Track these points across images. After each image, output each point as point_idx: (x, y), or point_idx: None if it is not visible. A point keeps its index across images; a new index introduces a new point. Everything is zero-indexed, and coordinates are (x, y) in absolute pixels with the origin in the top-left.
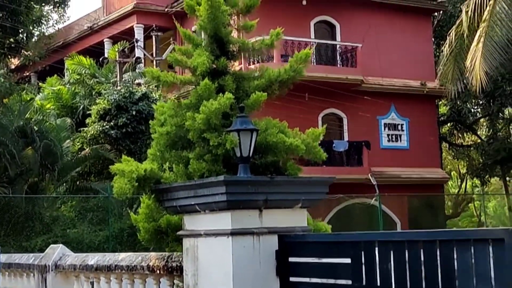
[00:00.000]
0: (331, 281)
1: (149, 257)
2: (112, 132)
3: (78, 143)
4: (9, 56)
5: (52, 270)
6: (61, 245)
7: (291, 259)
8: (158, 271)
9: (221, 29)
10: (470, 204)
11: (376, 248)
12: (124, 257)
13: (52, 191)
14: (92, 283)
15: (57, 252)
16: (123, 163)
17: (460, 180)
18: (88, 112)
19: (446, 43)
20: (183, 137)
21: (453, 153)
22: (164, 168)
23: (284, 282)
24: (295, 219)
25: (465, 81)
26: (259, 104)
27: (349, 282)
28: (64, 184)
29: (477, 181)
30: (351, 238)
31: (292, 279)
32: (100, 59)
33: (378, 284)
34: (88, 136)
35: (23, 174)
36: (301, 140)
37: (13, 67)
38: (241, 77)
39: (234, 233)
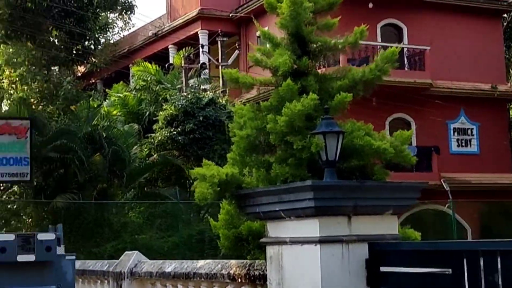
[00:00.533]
0: None
1: (229, 264)
2: (179, 138)
3: (145, 149)
4: (76, 64)
5: (127, 277)
6: (136, 252)
7: (382, 269)
8: (239, 280)
9: (302, 28)
10: None
11: (481, 258)
12: (202, 265)
13: (120, 197)
14: None
15: (132, 259)
16: (204, 167)
17: None
18: (154, 118)
19: None
20: (264, 140)
21: None
22: (244, 173)
23: None
24: (385, 226)
25: None
26: (344, 106)
27: None
28: (132, 190)
29: None
30: (451, 247)
31: None
32: (166, 65)
33: None
34: (156, 142)
35: (92, 180)
36: (389, 143)
37: (79, 74)
38: (324, 78)
39: (322, 241)
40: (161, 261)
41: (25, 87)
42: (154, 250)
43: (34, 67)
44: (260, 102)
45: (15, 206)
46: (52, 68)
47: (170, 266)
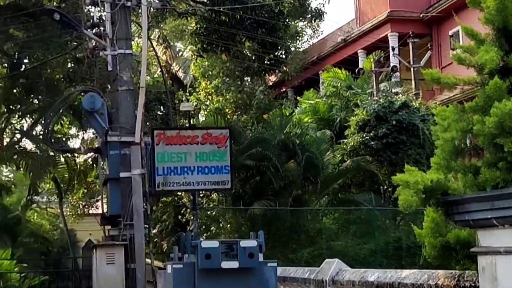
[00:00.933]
0: None
1: (436, 275)
2: (372, 143)
3: (338, 155)
4: (268, 73)
5: (329, 286)
6: (336, 259)
7: None
8: None
9: (510, 21)
10: None
11: None
12: (408, 275)
13: (314, 203)
14: None
15: (333, 267)
16: (406, 173)
17: None
18: (345, 124)
19: None
20: (470, 143)
21: None
22: (448, 178)
23: None
24: None
25: None
26: None
27: None
28: (326, 196)
29: None
30: None
31: None
32: (356, 70)
33: None
34: (348, 148)
35: (287, 187)
36: None
37: (271, 83)
38: None
39: None
40: (363, 269)
41: (220, 98)
42: (350, 257)
43: (228, 79)
44: (464, 103)
45: (214, 213)
46: (245, 78)
47: (373, 275)
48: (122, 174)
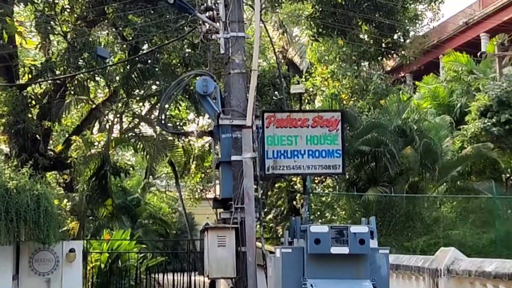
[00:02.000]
0: None
1: None
2: (494, 129)
3: (458, 142)
4: (386, 57)
5: (444, 275)
6: (452, 248)
7: None
8: None
9: None
10: None
11: None
12: None
13: (432, 191)
14: None
15: (448, 255)
16: None
17: None
18: (466, 110)
19: None
20: None
21: None
22: None
23: None
24: None
25: None
26: None
27: None
28: (444, 184)
29: None
30: None
31: None
32: (478, 54)
33: None
34: (468, 134)
35: (403, 174)
36: None
37: (388, 68)
38: None
39: None
40: (480, 259)
41: (337, 83)
42: (468, 247)
43: (344, 64)
44: None
45: (328, 199)
46: (361, 63)
47: (490, 265)
48: (233, 158)
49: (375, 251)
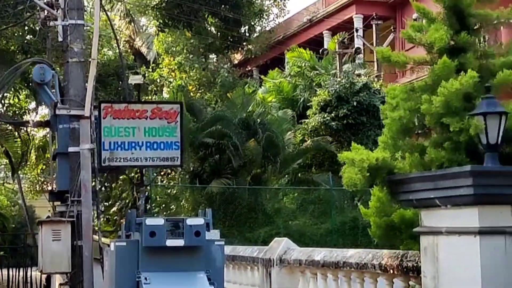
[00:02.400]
0: None
1: (380, 254)
2: (333, 123)
3: (299, 135)
4: (232, 51)
5: (276, 265)
6: (285, 238)
7: None
8: (391, 271)
9: (461, 0)
10: None
11: None
12: (352, 254)
13: (274, 183)
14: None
15: (282, 245)
16: (353, 151)
17: None
18: (308, 104)
19: None
20: (418, 122)
21: None
22: (396, 157)
23: None
24: None
25: None
26: (508, 84)
27: None
28: (286, 176)
29: None
30: None
31: None
32: (320, 50)
33: None
34: (309, 128)
35: (246, 166)
36: None
37: (236, 62)
38: (484, 55)
39: (482, 232)
40: (311, 248)
41: (184, 75)
42: (307, 237)
43: (192, 55)
44: (415, 83)
45: (174, 191)
46: (209, 56)
47: (319, 254)
48: (70, 149)
49: (211, 243)
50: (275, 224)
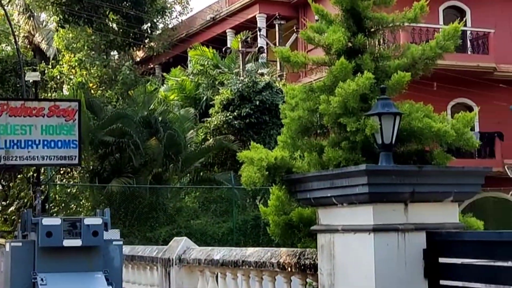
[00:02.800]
0: (493, 287)
1: (279, 253)
2: (235, 122)
3: (201, 134)
4: (134, 48)
5: (176, 264)
6: (185, 238)
7: (441, 260)
8: (289, 269)
9: (358, 3)
10: None
11: None
12: (252, 253)
13: (175, 182)
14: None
15: (181, 245)
16: (252, 150)
17: None
18: (211, 102)
19: None
20: (317, 122)
21: None
22: (295, 157)
23: (433, 286)
24: (445, 214)
25: None
26: (402, 86)
27: None
28: (188, 175)
29: None
30: None
31: (443, 282)
32: (223, 49)
33: None
34: (212, 126)
35: (147, 165)
36: (451, 125)
37: (138, 59)
38: (380, 56)
39: (376, 229)
40: (210, 248)
41: (84, 72)
42: (208, 236)
43: (93, 52)
44: (314, 84)
45: (74, 190)
46: (111, 53)
47: (218, 253)
48: None
49: (109, 243)
50: (176, 223)
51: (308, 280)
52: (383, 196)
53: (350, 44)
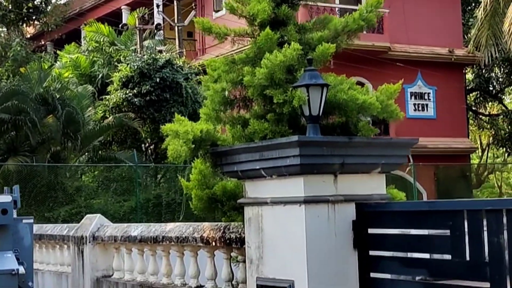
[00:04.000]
0: (422, 255)
1: (202, 227)
2: (135, 100)
3: (100, 112)
4: (25, 24)
5: (89, 242)
6: (98, 215)
7: (371, 231)
8: (213, 243)
9: None
10: (491, 176)
11: (484, 218)
12: (172, 228)
13: (74, 160)
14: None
15: (94, 222)
16: (176, 123)
17: (482, 150)
18: (107, 81)
19: (481, 7)
20: (240, 95)
21: (477, 123)
22: (217, 130)
23: (363, 256)
24: (373, 185)
25: (499, 46)
26: (327, 57)
27: (448, 256)
28: (87, 153)
29: (499, 152)
30: (450, 207)
31: (372, 252)
32: (120, 25)
33: (487, 259)
34: (111, 104)
35: (45, 143)
36: (375, 97)
37: (28, 36)
38: (303, 28)
39: (307, 201)
40: (126, 224)
41: None
42: (109, 215)
43: None
44: (235, 56)
45: None
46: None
47: (136, 229)
48: None
49: (18, 221)
50: (76, 202)
51: (232, 254)
52: (313, 167)
53: (274, 15)
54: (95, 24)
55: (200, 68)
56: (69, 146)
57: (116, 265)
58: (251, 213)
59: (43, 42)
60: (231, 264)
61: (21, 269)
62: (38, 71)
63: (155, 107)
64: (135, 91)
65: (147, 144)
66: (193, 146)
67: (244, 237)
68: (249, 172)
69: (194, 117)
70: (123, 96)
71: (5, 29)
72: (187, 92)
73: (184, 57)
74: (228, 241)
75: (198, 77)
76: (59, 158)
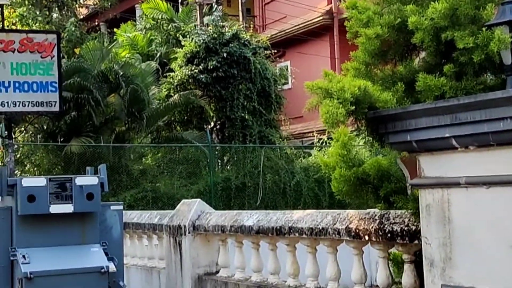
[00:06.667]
0: None
1: (346, 216)
2: (201, 76)
3: (164, 90)
4: (77, 4)
5: (189, 232)
6: (198, 200)
7: None
8: (365, 237)
9: None
10: None
11: None
12: (301, 217)
13: (139, 141)
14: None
15: (194, 208)
16: (325, 79)
17: None
18: (165, 60)
19: None
20: (401, 42)
21: None
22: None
23: None
24: None
25: None
26: None
27: None
28: (149, 134)
29: None
30: None
31: None
32: (180, 1)
33: None
34: (175, 82)
35: (109, 123)
36: None
37: (82, 17)
38: None
39: None
40: (234, 212)
41: (26, 29)
42: (177, 199)
43: (34, 7)
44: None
45: (23, 148)
46: (54, 9)
47: (250, 218)
48: None
49: (106, 208)
50: (141, 186)
51: (395, 251)
52: None
53: None
54: (152, 0)
55: (268, 42)
56: (133, 126)
57: (222, 261)
58: (431, 198)
59: (96, 23)
60: (389, 265)
61: (111, 266)
62: (98, 50)
63: (222, 84)
64: (201, 67)
65: (212, 124)
66: (353, 107)
67: (415, 229)
68: (430, 143)
69: (262, 95)
70: (189, 72)
71: (56, 9)
72: (256, 67)
73: (251, 30)
74: (388, 235)
75: (266, 51)
76: (123, 139)
